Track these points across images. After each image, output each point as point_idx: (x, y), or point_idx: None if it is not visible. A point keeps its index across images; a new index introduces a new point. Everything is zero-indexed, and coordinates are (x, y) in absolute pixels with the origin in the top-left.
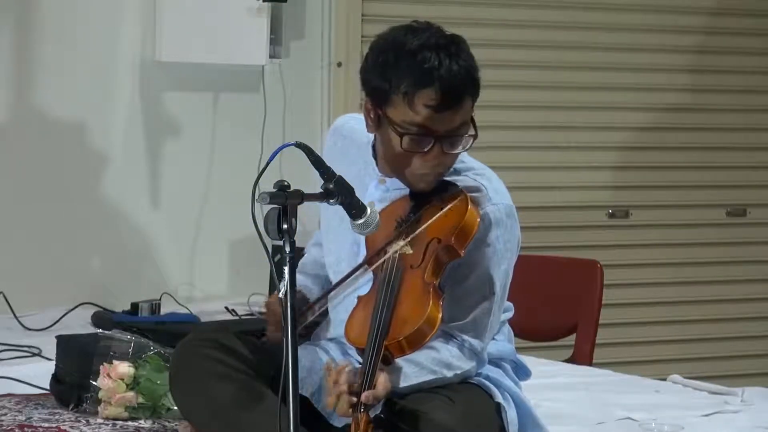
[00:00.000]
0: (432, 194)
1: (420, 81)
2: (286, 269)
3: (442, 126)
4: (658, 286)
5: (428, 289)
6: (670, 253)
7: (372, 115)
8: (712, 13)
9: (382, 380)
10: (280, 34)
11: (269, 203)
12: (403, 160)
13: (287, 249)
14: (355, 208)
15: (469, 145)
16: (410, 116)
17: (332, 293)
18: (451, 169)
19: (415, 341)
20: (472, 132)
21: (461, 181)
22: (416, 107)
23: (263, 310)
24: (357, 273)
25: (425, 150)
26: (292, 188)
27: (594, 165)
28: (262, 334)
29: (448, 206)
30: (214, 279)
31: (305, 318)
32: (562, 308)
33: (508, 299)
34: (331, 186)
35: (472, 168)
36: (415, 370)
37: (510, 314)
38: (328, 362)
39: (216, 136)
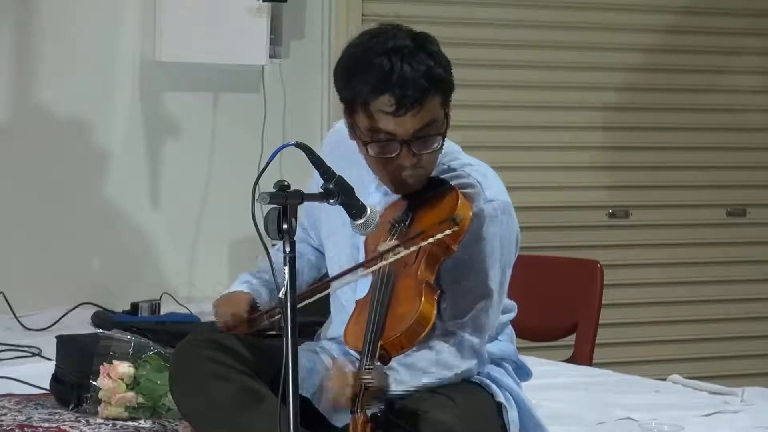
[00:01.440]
0: (424, 193)
1: (375, 88)
2: (286, 269)
3: (406, 129)
4: (658, 286)
5: (421, 286)
6: (670, 253)
7: (348, 124)
8: (712, 14)
9: (380, 374)
10: (280, 34)
11: (269, 203)
12: (378, 165)
13: (287, 249)
14: (354, 208)
15: (440, 144)
16: (372, 123)
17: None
18: (446, 166)
19: (410, 338)
20: (441, 130)
21: (456, 177)
22: (375, 114)
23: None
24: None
25: (394, 155)
26: (292, 188)
27: (594, 165)
28: (260, 334)
29: (440, 203)
30: (214, 279)
31: (259, 322)
32: (562, 308)
33: (511, 299)
34: (331, 186)
35: (468, 164)
36: (416, 374)
37: (513, 314)
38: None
39: (216, 136)
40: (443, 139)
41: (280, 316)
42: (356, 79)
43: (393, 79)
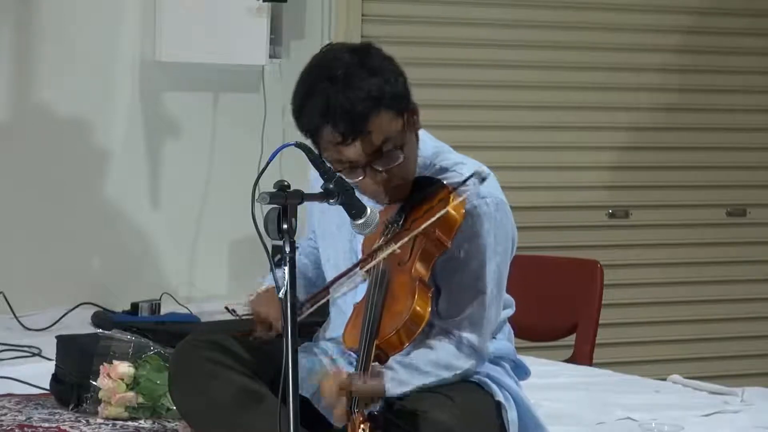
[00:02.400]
0: (416, 193)
1: (317, 123)
2: (286, 269)
3: (359, 155)
4: (658, 286)
5: (414, 284)
6: (670, 253)
7: None
8: (712, 13)
9: (376, 382)
10: (280, 34)
11: (269, 203)
12: (357, 187)
13: (287, 249)
14: (354, 208)
15: (408, 154)
16: (328, 154)
17: (328, 295)
18: (438, 166)
19: (405, 336)
20: (400, 143)
21: (448, 177)
22: (326, 147)
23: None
24: (347, 276)
25: (361, 178)
26: (292, 188)
27: (594, 165)
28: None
29: (432, 201)
30: (214, 279)
31: (300, 315)
32: (562, 308)
33: (510, 296)
34: (331, 186)
35: (461, 163)
36: (413, 374)
37: (511, 311)
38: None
39: (216, 136)
40: (403, 150)
41: (320, 303)
42: (302, 113)
43: (330, 111)
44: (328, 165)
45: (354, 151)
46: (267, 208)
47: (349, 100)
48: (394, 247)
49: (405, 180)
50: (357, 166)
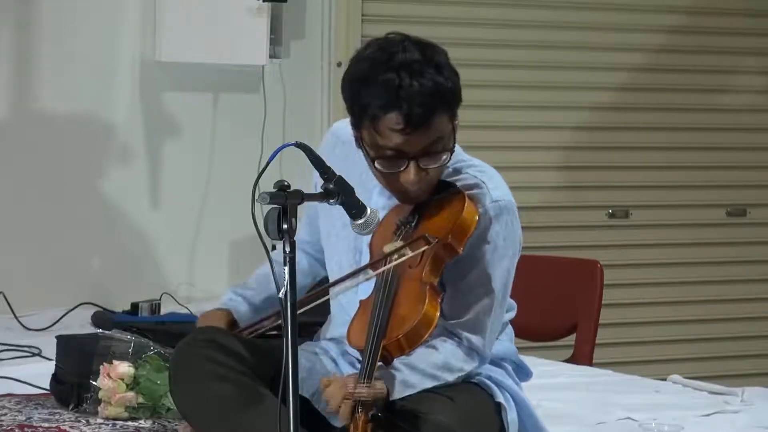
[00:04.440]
0: (431, 195)
1: (383, 106)
2: (286, 269)
3: (414, 146)
4: (658, 286)
5: (425, 288)
6: (670, 253)
7: (355, 136)
8: (712, 14)
9: (379, 386)
10: (280, 34)
11: (269, 203)
12: (384, 178)
13: (287, 249)
14: (354, 208)
15: (448, 159)
16: (379, 140)
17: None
18: (450, 169)
19: (413, 340)
20: (449, 146)
21: (461, 179)
22: (383, 132)
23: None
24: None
25: (401, 170)
26: (292, 188)
27: (595, 165)
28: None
29: (447, 206)
30: (214, 279)
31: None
32: (562, 308)
33: (512, 298)
34: (331, 186)
35: (472, 165)
36: (417, 378)
37: (513, 314)
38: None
39: (216, 136)
40: (451, 155)
41: (265, 329)
42: (364, 94)
43: (401, 96)
44: (329, 166)
45: (410, 140)
46: (267, 208)
47: (423, 88)
48: (410, 254)
49: (433, 184)
50: (404, 157)
